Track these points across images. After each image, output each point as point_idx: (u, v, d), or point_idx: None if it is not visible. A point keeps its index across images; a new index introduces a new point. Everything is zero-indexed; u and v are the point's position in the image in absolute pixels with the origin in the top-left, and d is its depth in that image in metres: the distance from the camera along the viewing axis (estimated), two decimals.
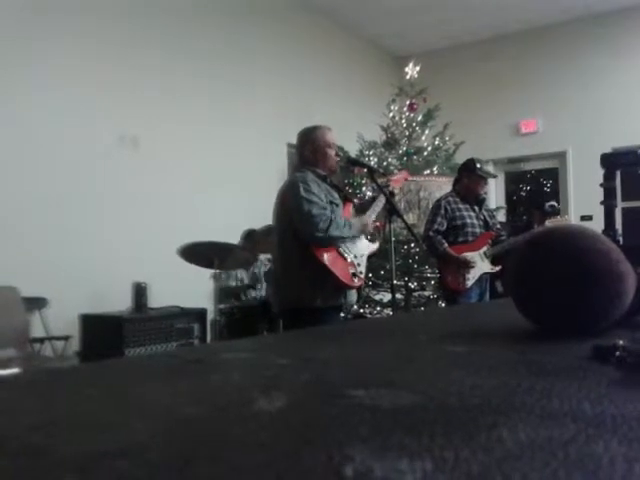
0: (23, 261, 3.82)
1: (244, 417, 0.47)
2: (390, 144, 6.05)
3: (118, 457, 0.38)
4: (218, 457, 0.37)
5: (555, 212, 4.43)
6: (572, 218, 6.71)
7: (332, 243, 2.93)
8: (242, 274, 4.69)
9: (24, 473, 0.35)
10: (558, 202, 7.07)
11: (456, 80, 7.68)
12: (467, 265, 4.04)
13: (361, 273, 3.08)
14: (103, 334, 3.96)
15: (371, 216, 3.23)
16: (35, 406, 0.54)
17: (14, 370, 2.68)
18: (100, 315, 4.08)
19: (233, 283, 4.75)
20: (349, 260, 3.01)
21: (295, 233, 2.95)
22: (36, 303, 3.87)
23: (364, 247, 3.19)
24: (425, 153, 5.96)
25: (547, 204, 4.50)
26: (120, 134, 4.60)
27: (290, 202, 2.96)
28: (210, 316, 4.44)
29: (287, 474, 0.34)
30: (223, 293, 4.48)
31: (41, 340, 3.83)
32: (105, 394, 0.59)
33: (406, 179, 3.67)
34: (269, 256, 4.58)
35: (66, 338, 3.93)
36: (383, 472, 0.34)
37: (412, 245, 5.49)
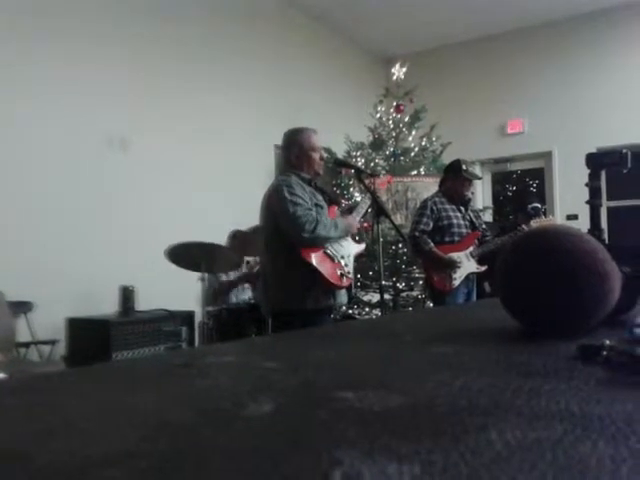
0: (8, 264, 3.78)
1: (232, 422, 0.47)
2: (377, 145, 6.07)
3: (106, 464, 0.37)
4: (206, 463, 0.37)
5: (538, 213, 4.44)
6: (558, 217, 6.76)
7: (319, 243, 2.94)
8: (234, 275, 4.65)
9: None
10: (544, 202, 7.11)
11: (442, 81, 7.72)
12: (453, 265, 4.06)
13: (349, 273, 3.10)
14: (90, 338, 3.93)
15: (356, 217, 3.24)
16: (20, 412, 0.53)
17: None
18: (87, 319, 4.04)
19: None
20: (336, 261, 3.02)
21: (282, 236, 2.96)
22: (22, 307, 3.83)
23: (351, 248, 3.20)
24: (412, 154, 5.98)
25: (529, 206, 4.51)
26: (108, 137, 4.57)
27: (275, 206, 2.97)
28: (198, 319, 4.42)
29: (275, 478, 0.34)
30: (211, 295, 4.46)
31: (27, 345, 3.79)
32: (92, 399, 0.58)
33: (389, 182, 3.69)
34: (256, 258, 4.56)
35: (52, 342, 3.89)
36: (372, 476, 0.33)
37: (400, 245, 5.51)
